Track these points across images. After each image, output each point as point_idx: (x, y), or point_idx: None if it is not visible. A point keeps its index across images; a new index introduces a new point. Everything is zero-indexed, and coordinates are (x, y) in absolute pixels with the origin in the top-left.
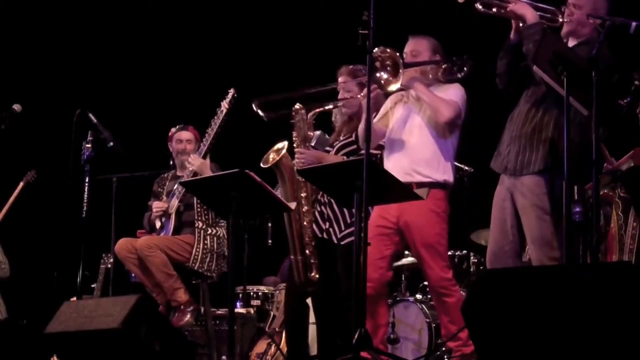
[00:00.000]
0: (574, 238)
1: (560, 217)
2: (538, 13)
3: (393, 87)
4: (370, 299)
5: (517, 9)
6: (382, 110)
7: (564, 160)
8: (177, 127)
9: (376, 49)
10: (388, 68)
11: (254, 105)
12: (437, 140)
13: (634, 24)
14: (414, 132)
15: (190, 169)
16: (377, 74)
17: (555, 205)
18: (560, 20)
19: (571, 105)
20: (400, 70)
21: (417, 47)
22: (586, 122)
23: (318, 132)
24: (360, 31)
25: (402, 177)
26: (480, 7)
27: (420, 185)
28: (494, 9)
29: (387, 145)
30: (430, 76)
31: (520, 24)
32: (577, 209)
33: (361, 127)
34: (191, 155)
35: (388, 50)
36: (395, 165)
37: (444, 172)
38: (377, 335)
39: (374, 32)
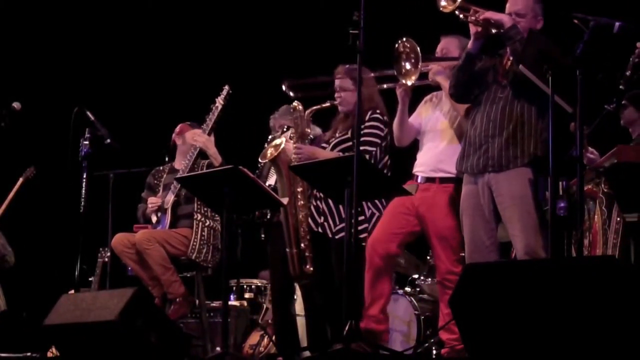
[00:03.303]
0: (559, 233)
1: (542, 211)
2: None
3: (410, 81)
4: (374, 268)
5: (491, 16)
6: (418, 109)
7: (549, 154)
8: (188, 123)
9: (403, 39)
10: (412, 60)
11: (283, 86)
12: (460, 138)
13: (617, 24)
14: (439, 132)
15: (196, 145)
16: (402, 63)
17: (537, 197)
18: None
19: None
20: (419, 65)
21: (447, 46)
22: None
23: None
24: (350, 31)
25: (428, 174)
26: (461, 15)
27: (444, 180)
28: (472, 18)
29: (419, 144)
30: None
31: (494, 30)
32: (562, 204)
33: (395, 123)
34: (196, 132)
35: (409, 42)
36: (423, 163)
37: None
38: (377, 303)
39: (364, 32)
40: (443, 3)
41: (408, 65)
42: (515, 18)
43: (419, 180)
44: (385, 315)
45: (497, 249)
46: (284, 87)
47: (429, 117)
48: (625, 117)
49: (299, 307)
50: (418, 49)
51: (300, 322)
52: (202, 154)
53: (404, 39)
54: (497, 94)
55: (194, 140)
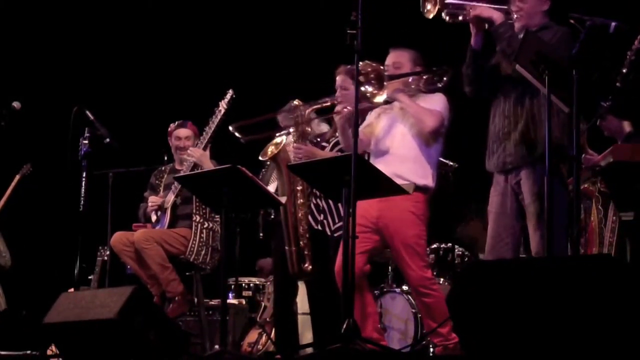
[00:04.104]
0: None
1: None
2: None
3: (378, 99)
4: None
5: (481, 13)
6: (367, 121)
7: (546, 155)
8: (176, 123)
9: (360, 63)
10: (372, 81)
11: (231, 128)
12: (419, 147)
13: (613, 24)
14: (396, 139)
15: (191, 160)
16: (362, 88)
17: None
18: (513, 16)
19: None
20: (385, 83)
21: (398, 59)
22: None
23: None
24: (348, 31)
25: None
26: (447, 18)
27: None
28: (460, 17)
29: (372, 153)
30: (413, 87)
31: (486, 26)
32: None
33: (340, 139)
34: (190, 148)
35: (371, 64)
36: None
37: (424, 177)
38: (367, 324)
39: (362, 32)
40: (429, 7)
41: (370, 88)
42: (518, 4)
43: None
44: (379, 333)
45: (515, 247)
46: (231, 129)
47: (381, 129)
48: (608, 127)
49: (298, 304)
50: (380, 69)
51: (300, 319)
52: None
53: (365, 62)
54: (510, 89)
55: (188, 156)
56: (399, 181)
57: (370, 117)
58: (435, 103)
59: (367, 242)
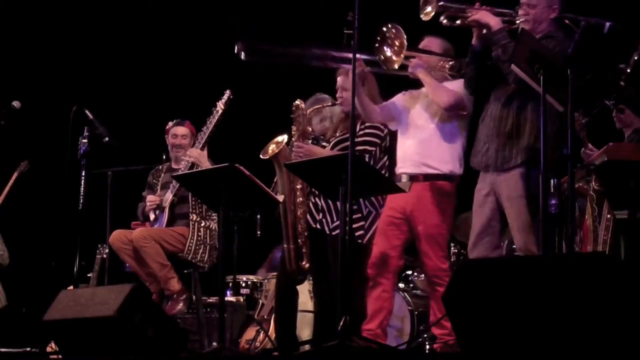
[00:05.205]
0: (551, 229)
1: (537, 208)
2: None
3: (392, 66)
4: (373, 284)
5: (480, 18)
6: (398, 96)
7: (541, 153)
8: (174, 121)
9: (389, 25)
10: (394, 46)
11: (237, 46)
12: (444, 135)
13: (607, 24)
14: (423, 126)
15: (188, 160)
16: (383, 48)
17: (531, 195)
18: (517, 21)
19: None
20: (403, 52)
21: (429, 44)
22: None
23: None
24: (345, 31)
25: (411, 169)
26: (445, 21)
27: (428, 177)
28: (458, 21)
29: (399, 138)
30: (438, 71)
31: (484, 31)
32: (553, 202)
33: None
34: (189, 150)
35: (395, 29)
36: (406, 157)
37: (450, 164)
38: (376, 318)
39: (359, 33)
40: (428, 9)
41: (389, 52)
42: (526, 8)
43: (402, 180)
44: (383, 332)
45: (495, 246)
46: (236, 49)
47: (408, 111)
48: (622, 119)
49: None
50: (404, 37)
51: (298, 317)
52: None
53: (391, 25)
54: (501, 93)
55: (187, 156)
56: (425, 169)
57: (399, 96)
58: (455, 85)
59: (401, 233)
